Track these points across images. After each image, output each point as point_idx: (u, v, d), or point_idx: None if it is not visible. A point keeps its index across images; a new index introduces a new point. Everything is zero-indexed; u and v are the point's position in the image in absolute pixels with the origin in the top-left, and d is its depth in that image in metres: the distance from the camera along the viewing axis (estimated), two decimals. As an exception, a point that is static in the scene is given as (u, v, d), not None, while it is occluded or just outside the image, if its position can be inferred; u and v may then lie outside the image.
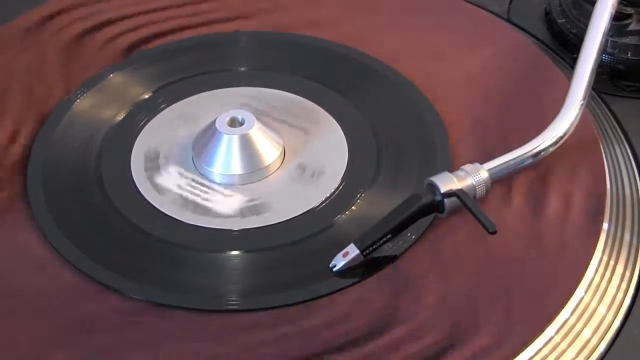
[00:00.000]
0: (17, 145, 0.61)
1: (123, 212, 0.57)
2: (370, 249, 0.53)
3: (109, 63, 0.67)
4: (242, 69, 0.67)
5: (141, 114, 0.63)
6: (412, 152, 0.61)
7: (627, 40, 0.67)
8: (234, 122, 0.60)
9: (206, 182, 0.59)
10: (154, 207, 0.58)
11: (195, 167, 0.60)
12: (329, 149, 0.61)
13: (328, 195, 0.58)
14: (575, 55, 0.63)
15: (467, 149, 0.60)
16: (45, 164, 0.60)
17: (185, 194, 0.59)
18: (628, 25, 0.67)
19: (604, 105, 0.66)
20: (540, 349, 0.51)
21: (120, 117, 0.63)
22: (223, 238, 0.56)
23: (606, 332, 0.54)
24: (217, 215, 0.57)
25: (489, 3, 0.73)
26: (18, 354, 0.51)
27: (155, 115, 0.63)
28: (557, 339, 0.52)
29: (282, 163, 0.60)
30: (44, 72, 0.66)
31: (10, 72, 0.66)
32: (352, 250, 0.53)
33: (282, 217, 0.57)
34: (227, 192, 0.59)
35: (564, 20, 0.70)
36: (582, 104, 0.59)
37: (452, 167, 0.58)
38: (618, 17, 0.66)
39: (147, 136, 0.62)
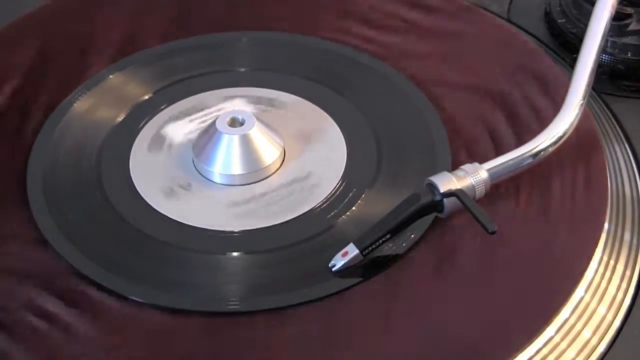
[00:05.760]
0: (17, 145, 0.61)
1: (123, 213, 0.57)
2: (370, 248, 0.53)
3: None
4: (242, 69, 0.67)
5: (141, 115, 0.63)
6: (411, 152, 0.61)
7: (627, 40, 0.67)
8: (234, 122, 0.60)
9: (207, 183, 0.59)
10: (154, 208, 0.58)
11: (195, 167, 0.60)
12: (329, 149, 0.61)
13: (328, 195, 0.58)
14: (575, 55, 0.63)
15: (467, 148, 0.60)
16: (45, 165, 0.60)
17: (185, 194, 0.59)
18: (628, 25, 0.67)
19: (604, 105, 0.66)
20: (540, 349, 0.51)
21: (120, 117, 0.63)
22: (224, 239, 0.56)
23: (606, 332, 0.54)
24: (218, 216, 0.57)
25: (489, 3, 0.73)
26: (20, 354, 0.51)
27: (155, 115, 0.63)
28: (557, 339, 0.52)
29: (282, 163, 0.60)
30: None
31: None
32: (352, 250, 0.53)
33: (282, 218, 0.57)
34: (226, 192, 0.59)
35: (564, 20, 0.70)
36: (581, 104, 0.59)
37: (451, 167, 0.58)
38: (618, 17, 0.66)
39: (147, 136, 0.62)
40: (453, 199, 0.54)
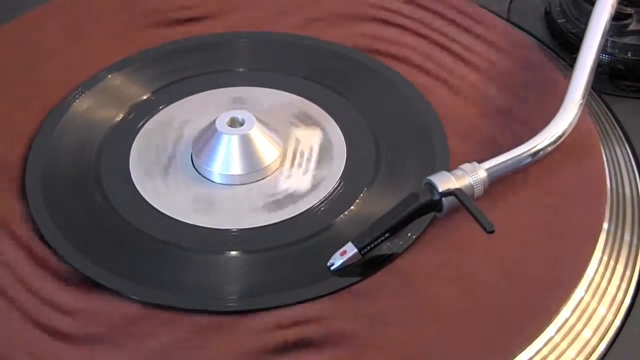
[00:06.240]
0: (15, 145, 0.62)
1: (122, 212, 0.58)
2: (368, 247, 0.53)
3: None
4: (241, 69, 0.67)
5: (140, 114, 0.63)
6: (411, 152, 0.61)
7: (627, 40, 0.67)
8: (233, 122, 0.60)
9: (205, 183, 0.59)
10: (153, 207, 0.58)
11: (195, 167, 0.60)
12: (328, 148, 0.61)
13: (327, 195, 0.58)
14: (575, 55, 0.63)
15: (466, 148, 0.60)
16: (44, 164, 0.60)
17: (184, 194, 0.59)
18: (628, 25, 0.67)
19: (604, 105, 0.66)
20: (540, 349, 0.51)
21: (119, 117, 0.63)
22: (222, 238, 0.56)
23: (606, 332, 0.54)
24: (217, 215, 0.57)
25: (489, 3, 0.73)
26: (18, 354, 0.51)
27: (154, 115, 0.63)
28: (557, 338, 0.52)
29: (281, 163, 0.60)
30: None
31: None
32: (350, 249, 0.53)
33: (281, 217, 0.57)
34: (226, 192, 0.59)
35: (564, 20, 0.70)
36: (581, 103, 0.59)
37: (450, 167, 0.58)
38: (618, 17, 0.66)
39: (146, 136, 0.62)
40: (452, 198, 0.54)
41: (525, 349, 0.51)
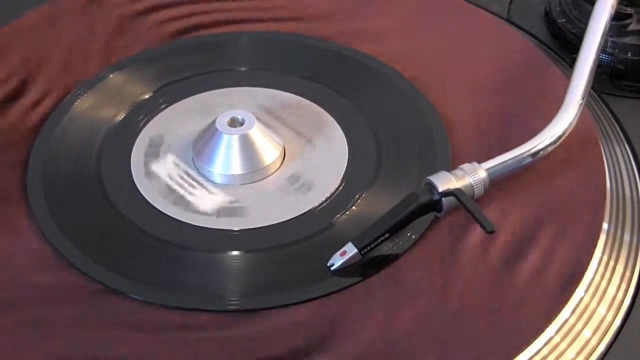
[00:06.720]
0: (17, 144, 0.62)
1: (123, 212, 0.58)
2: (368, 248, 0.53)
3: (151, 46, 0.68)
4: (242, 69, 0.67)
5: (141, 114, 0.64)
6: (411, 152, 0.61)
7: (627, 40, 0.67)
8: (234, 122, 0.60)
9: (207, 183, 0.59)
10: (155, 207, 0.58)
11: (196, 167, 0.60)
12: (329, 148, 0.61)
13: (328, 195, 0.58)
14: (575, 55, 0.63)
15: (467, 148, 0.60)
16: (45, 163, 0.60)
17: (185, 194, 0.59)
18: (628, 25, 0.67)
19: (604, 105, 0.66)
20: (540, 349, 0.51)
21: (121, 117, 0.64)
22: (223, 238, 0.56)
23: (606, 332, 0.54)
24: (217, 215, 0.57)
25: (489, 3, 0.73)
26: (18, 352, 0.51)
27: (155, 115, 0.64)
28: (557, 339, 0.52)
29: (282, 163, 0.60)
30: (86, 46, 0.68)
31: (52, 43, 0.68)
32: (350, 249, 0.53)
33: (282, 217, 0.57)
34: (227, 192, 0.59)
35: (564, 20, 0.70)
36: (581, 103, 0.59)
37: (451, 167, 0.58)
38: (618, 17, 0.66)
39: (147, 136, 0.62)
40: (452, 198, 0.54)
41: (525, 349, 0.51)
